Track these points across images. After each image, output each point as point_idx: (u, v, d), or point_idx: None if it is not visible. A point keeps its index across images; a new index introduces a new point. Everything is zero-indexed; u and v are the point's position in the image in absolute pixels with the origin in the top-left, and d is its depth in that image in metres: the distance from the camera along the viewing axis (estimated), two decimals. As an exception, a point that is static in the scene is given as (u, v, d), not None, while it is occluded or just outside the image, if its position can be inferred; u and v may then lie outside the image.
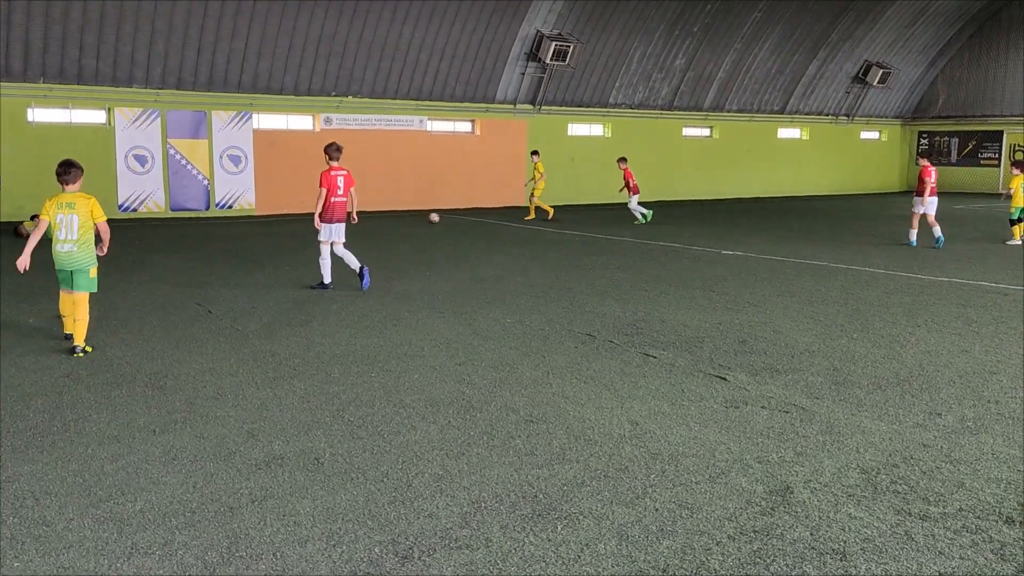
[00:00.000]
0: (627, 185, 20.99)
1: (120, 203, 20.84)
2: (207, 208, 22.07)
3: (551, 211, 22.01)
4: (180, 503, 4.53)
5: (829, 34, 30.39)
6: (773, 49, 29.72)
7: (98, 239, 7.91)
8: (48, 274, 12.34)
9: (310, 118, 23.42)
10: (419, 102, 24.34)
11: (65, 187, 7.79)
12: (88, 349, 7.75)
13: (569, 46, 24.70)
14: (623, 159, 21.57)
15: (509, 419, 5.88)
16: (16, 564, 3.88)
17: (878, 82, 32.82)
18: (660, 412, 6.06)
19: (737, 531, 4.21)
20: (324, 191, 10.77)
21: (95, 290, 7.96)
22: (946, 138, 35.97)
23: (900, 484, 4.77)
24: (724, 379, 6.92)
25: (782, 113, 32.36)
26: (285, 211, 22.60)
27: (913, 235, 16.60)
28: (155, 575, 3.81)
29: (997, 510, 4.43)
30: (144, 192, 21.19)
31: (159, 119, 21.04)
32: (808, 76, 31.68)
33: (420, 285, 11.52)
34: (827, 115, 33.85)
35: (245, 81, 21.75)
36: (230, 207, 22.28)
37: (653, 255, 14.77)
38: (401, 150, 24.46)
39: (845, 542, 4.08)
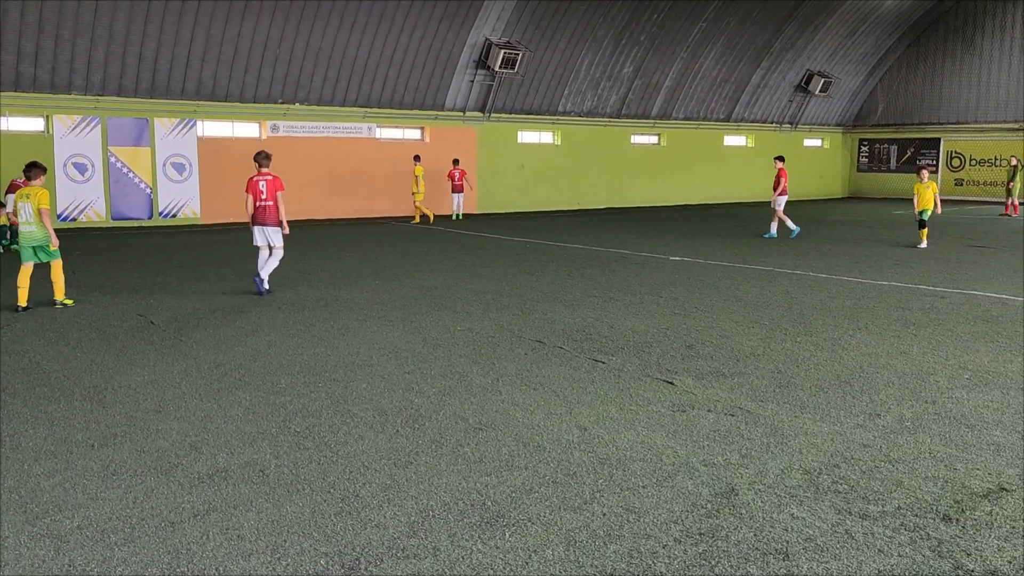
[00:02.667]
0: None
1: (60, 212, 20.32)
2: (150, 217, 21.64)
3: (431, 216, 23.15)
4: (119, 519, 4.42)
5: (772, 44, 31.03)
6: (718, 58, 30.23)
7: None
8: (-17, 286, 11.96)
9: (256, 125, 23.13)
10: (367, 109, 24.21)
11: (30, 183, 10.12)
12: (68, 302, 10.24)
13: (518, 54, 24.81)
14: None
15: (458, 427, 5.86)
16: (-55, 586, 3.75)
17: (820, 91, 33.60)
18: (608, 417, 6.10)
19: (683, 533, 4.25)
20: (249, 197, 11.33)
21: (59, 257, 10.22)
22: (886, 145, 36.95)
23: (841, 484, 4.87)
24: (671, 383, 6.99)
25: (728, 121, 32.91)
26: (231, 219, 22.26)
27: (774, 227, 19.25)
28: (92, 594, 3.71)
29: (934, 508, 4.54)
30: (84, 201, 20.70)
31: (99, 126, 20.59)
32: (752, 85, 32.28)
33: (368, 294, 11.44)
34: (771, 123, 34.53)
35: (189, 88, 21.40)
36: (174, 216, 21.88)
37: (602, 261, 14.88)
38: (349, 158, 24.29)
39: (788, 542, 4.15)
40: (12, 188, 16.35)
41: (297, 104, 23.13)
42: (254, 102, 22.44)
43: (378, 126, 24.78)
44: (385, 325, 9.35)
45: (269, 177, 11.32)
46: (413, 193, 22.83)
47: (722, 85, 31.46)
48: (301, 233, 19.75)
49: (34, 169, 10.09)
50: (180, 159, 21.77)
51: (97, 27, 19.33)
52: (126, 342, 8.50)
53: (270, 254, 11.41)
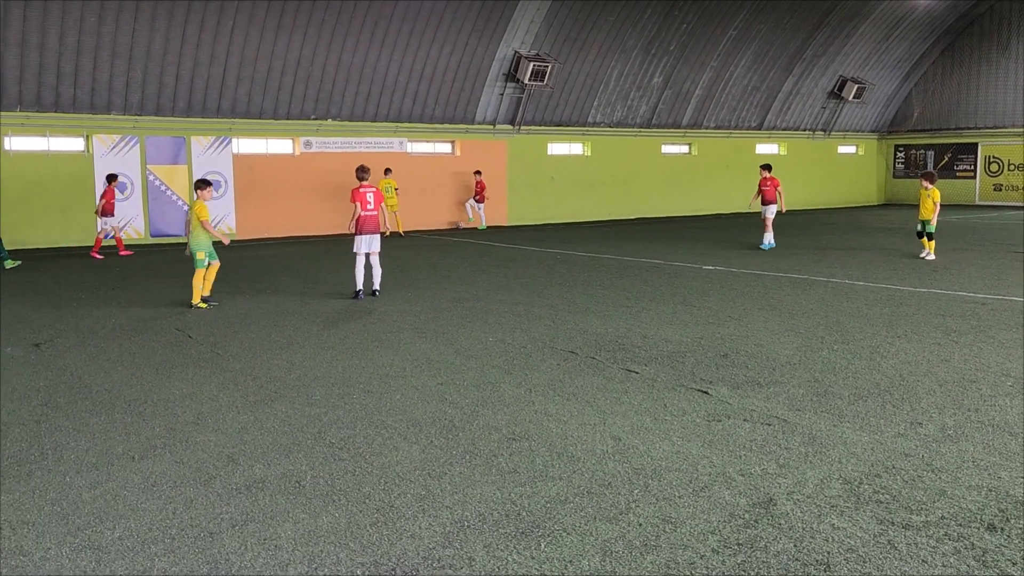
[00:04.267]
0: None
1: (99, 230, 20.67)
2: (186, 233, 21.91)
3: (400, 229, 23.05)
4: (160, 530, 4.48)
5: (804, 51, 30.78)
6: (749, 66, 30.05)
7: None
8: (28, 303, 12.24)
9: (290, 142, 23.41)
10: (399, 124, 24.40)
11: (199, 195, 11.70)
12: (202, 306, 11.44)
13: (547, 66, 24.87)
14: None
15: (491, 438, 5.86)
16: (-9, 596, 3.82)
17: (853, 97, 33.24)
18: (643, 427, 6.06)
19: (721, 544, 4.20)
20: (356, 206, 11.94)
21: (202, 267, 11.57)
22: (922, 151, 36.43)
23: (882, 493, 4.79)
24: (706, 393, 6.93)
25: (759, 129, 32.67)
26: (266, 235, 22.54)
27: (769, 237, 18.54)
28: (133, 603, 3.76)
29: (979, 517, 4.45)
30: (124, 218, 21.04)
31: (138, 145, 20.97)
32: (784, 92, 32.03)
33: (401, 305, 11.50)
34: (804, 130, 34.21)
35: (224, 106, 21.73)
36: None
37: (634, 271, 14.82)
38: (381, 172, 24.43)
39: (829, 552, 4.09)
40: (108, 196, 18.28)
41: (329, 120, 23.38)
42: (287, 119, 22.73)
43: (409, 140, 24.96)
44: (418, 336, 9.39)
45: (373, 189, 12.10)
46: (390, 206, 22.21)
47: (753, 93, 31.26)
48: (334, 247, 19.92)
49: (202, 184, 11.67)
50: (216, 176, 22.06)
51: (135, 47, 19.72)
52: (165, 356, 8.62)
53: (367, 262, 12.10)
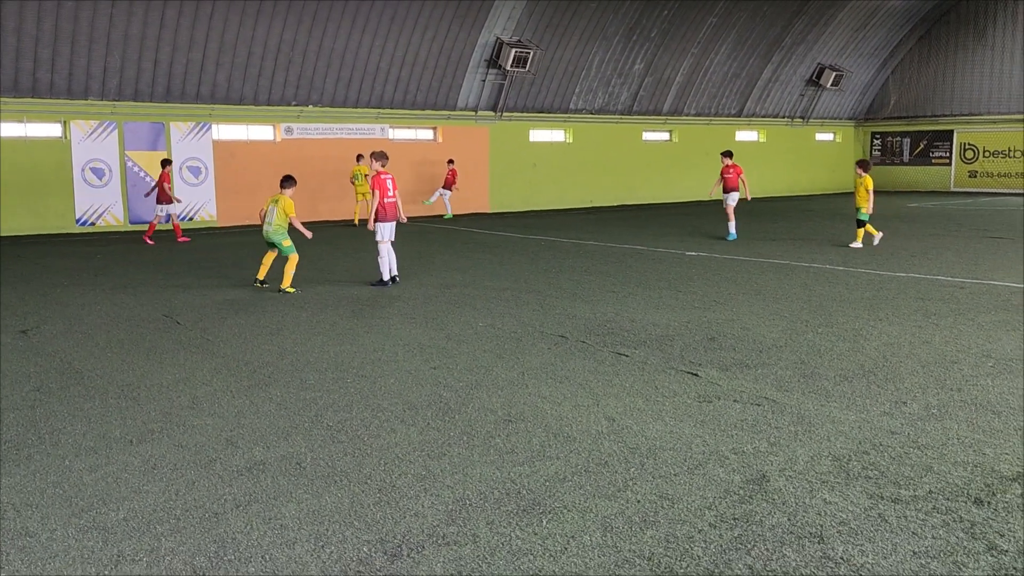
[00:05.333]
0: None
1: (78, 217, 20.53)
2: (167, 220, 21.79)
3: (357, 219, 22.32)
4: (164, 511, 4.52)
5: (783, 38, 30.97)
6: (729, 53, 30.21)
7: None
8: (10, 289, 12.15)
9: (271, 128, 23.28)
10: (380, 110, 24.32)
11: (280, 191, 11.80)
12: (291, 290, 11.46)
13: (529, 52, 24.87)
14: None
15: (488, 419, 5.94)
16: (3, 574, 3.85)
17: (831, 84, 33.51)
18: (635, 408, 6.17)
19: (717, 519, 4.31)
20: (377, 193, 11.72)
21: (293, 253, 11.69)
22: (898, 138, 36.83)
23: (871, 470, 4.92)
24: (696, 375, 7.05)
25: (739, 116, 32.88)
26: (247, 222, 22.41)
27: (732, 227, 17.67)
28: (144, 581, 3.81)
29: (965, 491, 4.59)
30: (102, 205, 20.88)
31: (116, 131, 20.77)
32: (764, 80, 32.24)
33: (390, 291, 11.53)
34: (783, 117, 34.47)
35: (204, 91, 21.56)
36: (191, 219, 22.04)
37: (618, 257, 14.93)
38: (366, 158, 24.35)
39: (822, 526, 4.21)
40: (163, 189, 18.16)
41: (311, 106, 23.27)
42: (268, 105, 22.58)
43: (391, 127, 24.89)
44: (408, 322, 9.44)
45: (391, 176, 11.94)
46: (363, 194, 21.77)
47: (733, 80, 31.44)
48: (319, 234, 19.85)
49: (287, 180, 11.88)
50: (196, 162, 21.93)
51: (113, 32, 19.50)
52: (155, 342, 8.61)
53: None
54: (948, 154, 35.20)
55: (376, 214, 11.72)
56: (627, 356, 7.71)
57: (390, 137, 24.93)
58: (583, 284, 11.93)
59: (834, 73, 33.19)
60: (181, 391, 6.79)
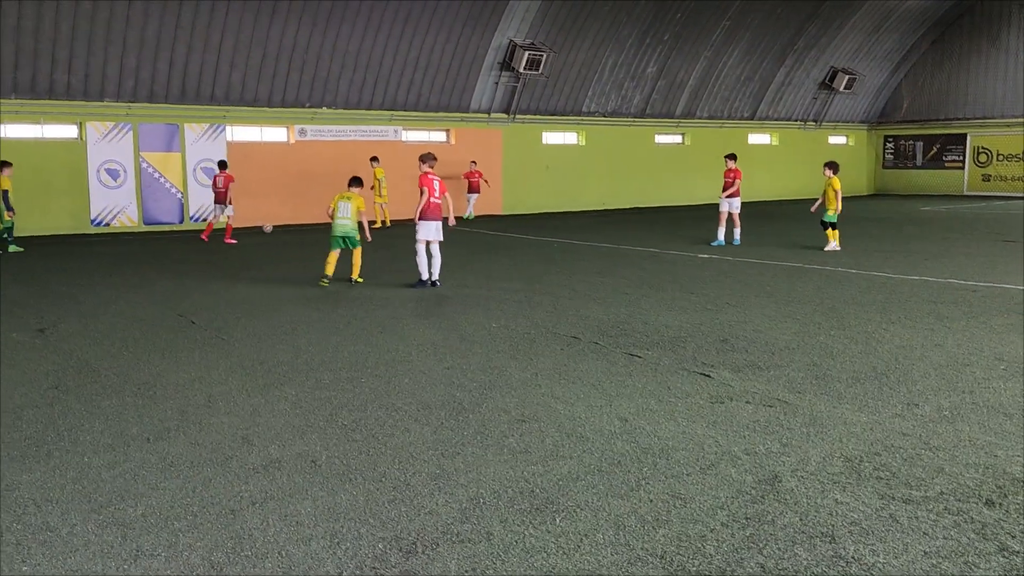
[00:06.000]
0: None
1: (93, 217, 20.70)
2: (181, 221, 21.97)
3: (379, 221, 21.98)
4: (181, 507, 4.58)
5: (796, 41, 30.93)
6: (742, 56, 30.18)
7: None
8: (27, 289, 12.28)
9: (284, 130, 23.41)
10: (393, 112, 24.42)
11: (350, 189, 12.43)
12: (360, 280, 12.33)
13: (542, 55, 24.92)
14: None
15: (501, 419, 5.98)
16: (24, 568, 3.92)
17: (844, 88, 33.43)
18: (648, 409, 6.20)
19: (730, 518, 4.34)
20: (425, 191, 11.84)
21: (360, 246, 12.31)
22: (911, 142, 36.69)
23: (883, 471, 4.94)
24: (708, 376, 7.07)
25: (752, 119, 32.84)
26: (260, 223, 22.50)
27: (721, 233, 17.38)
28: (163, 575, 3.87)
29: (977, 493, 4.61)
30: (117, 206, 21.05)
31: (131, 133, 20.93)
32: (776, 83, 32.20)
33: (401, 292, 11.60)
34: (796, 120, 34.40)
35: (218, 93, 21.71)
36: (204, 220, 22.17)
37: (631, 260, 14.96)
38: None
39: (833, 526, 4.23)
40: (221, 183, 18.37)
41: (324, 108, 23.39)
42: (282, 106, 22.72)
43: (404, 129, 24.98)
44: (421, 322, 9.49)
45: (438, 177, 12.08)
46: (377, 198, 21.74)
47: (746, 83, 31.41)
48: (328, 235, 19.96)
49: (358, 180, 12.61)
50: (210, 164, 22.05)
51: (129, 34, 19.66)
52: (170, 341, 8.70)
53: (427, 250, 11.95)
54: (961, 158, 35.04)
55: (421, 213, 11.82)
56: (640, 357, 7.74)
57: (403, 139, 25.01)
58: (596, 286, 11.96)
59: (847, 76, 33.11)
60: (197, 389, 6.86)
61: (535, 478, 4.90)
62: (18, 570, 3.91)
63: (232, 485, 4.88)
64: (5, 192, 16.52)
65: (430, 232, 11.87)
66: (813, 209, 17.41)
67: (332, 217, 12.31)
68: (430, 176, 11.96)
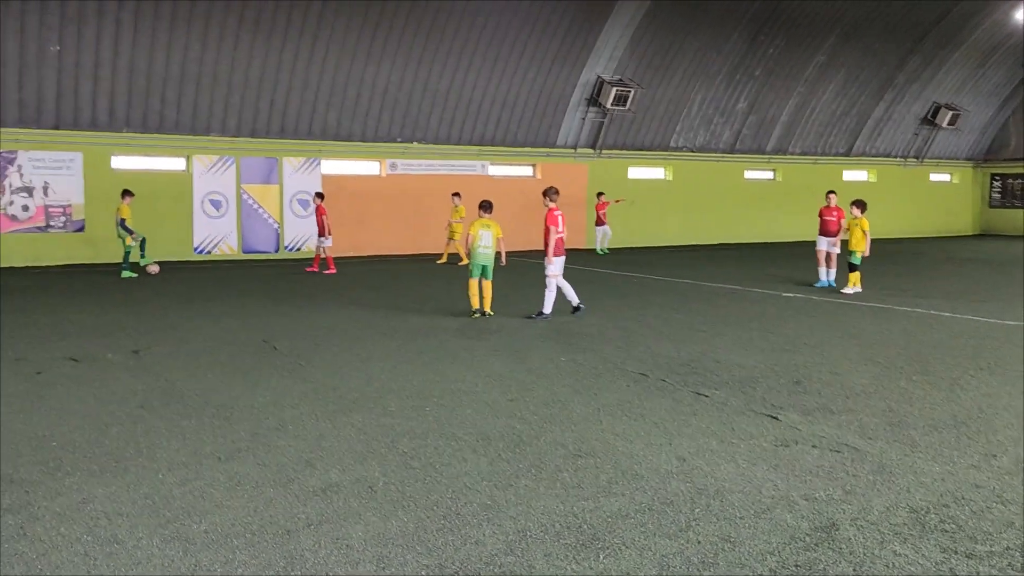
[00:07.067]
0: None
1: (196, 245, 21.73)
2: (277, 250, 22.83)
3: (445, 255, 21.77)
4: (242, 525, 4.77)
5: (895, 76, 30.11)
6: (837, 92, 29.55)
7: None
8: (129, 312, 12.95)
9: (376, 163, 24.13)
10: (482, 147, 24.87)
11: (484, 215, 12.41)
12: (491, 312, 12.22)
13: (630, 91, 25.00)
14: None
15: (558, 453, 6.00)
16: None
17: (948, 124, 32.27)
18: (708, 449, 6.11)
19: (779, 565, 4.24)
20: (553, 229, 12.14)
21: (492, 277, 12.27)
22: (1020, 180, 35.04)
23: (949, 523, 4.74)
24: (776, 418, 6.93)
25: (848, 155, 32.02)
26: (351, 253, 23.21)
27: (823, 273, 16.43)
28: (216, 590, 4.03)
29: (1048, 551, 4.37)
30: (219, 235, 22.05)
31: (234, 165, 21.96)
32: (875, 118, 31.35)
33: (476, 323, 11.75)
34: (896, 157, 33.35)
35: (315, 129, 22.58)
36: (298, 249, 22.99)
37: (711, 296, 14.75)
38: (464, 193, 24.84)
39: (888, 578, 4.09)
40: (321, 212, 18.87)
41: (415, 143, 24.02)
42: (375, 141, 23.45)
43: (491, 163, 25.38)
44: (491, 354, 9.60)
45: (561, 212, 12.30)
46: (452, 234, 21.44)
47: (841, 119, 30.70)
48: (417, 266, 20.42)
49: (490, 205, 12.65)
50: (305, 196, 22.89)
51: (234, 75, 20.73)
52: (252, 365, 9.05)
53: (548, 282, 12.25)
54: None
55: (554, 250, 12.07)
56: (707, 397, 7.63)
57: (490, 173, 25.41)
58: (671, 322, 11.85)
59: (951, 112, 31.97)
60: (270, 413, 7.12)
61: (585, 514, 4.90)
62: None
63: (291, 506, 5.05)
64: (123, 220, 17.61)
65: (561, 267, 12.21)
66: (835, 243, 16.53)
67: (472, 246, 12.24)
68: (555, 212, 12.17)
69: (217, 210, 21.99)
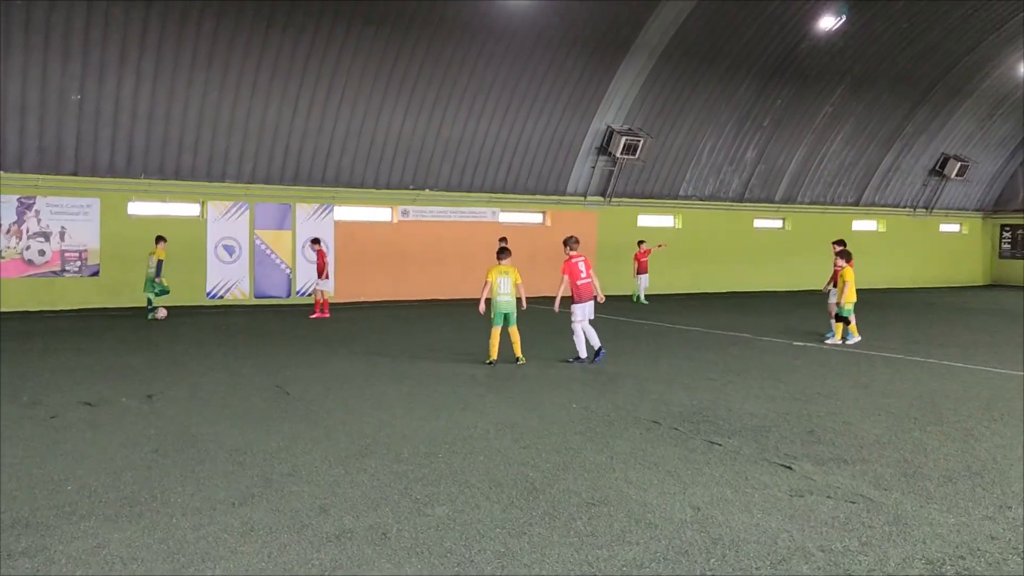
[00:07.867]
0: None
1: (208, 290, 21.88)
2: (288, 296, 22.97)
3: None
4: (256, 571, 4.77)
5: (904, 127, 30.38)
6: (846, 142, 29.82)
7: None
8: (143, 357, 13.03)
9: (389, 210, 24.37)
10: (492, 195, 25.12)
11: (501, 261, 12.37)
12: (523, 359, 12.13)
13: (639, 140, 25.29)
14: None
15: (571, 501, 5.99)
16: (105, 621, 4.16)
17: (956, 174, 32.45)
18: (723, 499, 6.09)
19: (795, 617, 4.21)
20: (565, 277, 12.48)
21: (515, 323, 12.22)
22: (1030, 230, 35.08)
23: (964, 574, 4.70)
24: (790, 468, 6.90)
25: (857, 205, 32.17)
26: (362, 299, 23.33)
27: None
28: (230, 636, 4.03)
29: (1068, 605, 4.33)
30: (232, 280, 22.23)
31: (248, 211, 22.21)
32: (883, 168, 31.57)
33: (488, 369, 11.77)
34: (904, 207, 33.48)
35: (328, 176, 22.88)
36: (310, 295, 23.10)
37: (722, 344, 14.75)
38: (473, 240, 25.04)
39: (905, 631, 4.05)
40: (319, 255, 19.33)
41: (427, 190, 24.28)
42: (387, 188, 23.72)
43: (502, 210, 25.61)
44: (503, 401, 9.61)
45: (582, 258, 12.63)
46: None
47: (850, 169, 30.92)
48: (429, 312, 20.50)
49: (506, 251, 12.66)
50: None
51: (250, 122, 21.09)
52: (265, 410, 9.08)
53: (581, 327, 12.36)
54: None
55: (572, 296, 12.29)
56: (720, 445, 7.62)
57: (500, 220, 25.62)
58: (682, 370, 11.85)
59: (959, 163, 32.17)
60: (283, 458, 7.14)
61: (598, 563, 4.88)
62: (100, 622, 4.14)
63: (305, 552, 5.05)
64: (160, 262, 18.12)
65: (586, 312, 12.37)
66: (825, 289, 16.45)
67: (492, 295, 12.26)
68: (574, 260, 12.41)
69: (230, 255, 22.20)
